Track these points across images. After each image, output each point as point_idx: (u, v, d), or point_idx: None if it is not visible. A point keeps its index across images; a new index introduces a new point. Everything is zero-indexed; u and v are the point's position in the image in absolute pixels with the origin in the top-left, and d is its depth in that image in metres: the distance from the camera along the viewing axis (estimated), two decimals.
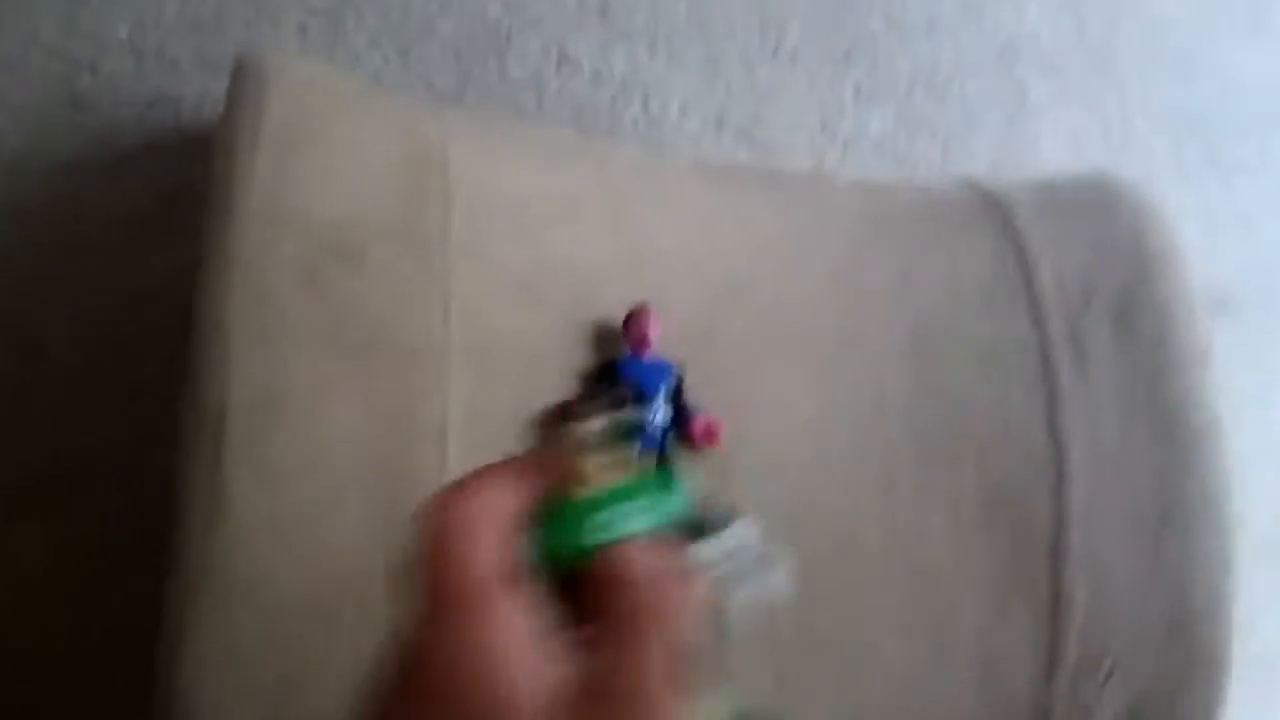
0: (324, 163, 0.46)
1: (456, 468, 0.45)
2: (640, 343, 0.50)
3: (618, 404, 0.30)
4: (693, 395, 0.51)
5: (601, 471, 0.28)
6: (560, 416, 0.30)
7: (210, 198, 0.44)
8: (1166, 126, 0.80)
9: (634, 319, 0.50)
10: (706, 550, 0.28)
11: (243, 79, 0.47)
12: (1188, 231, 0.77)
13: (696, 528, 0.29)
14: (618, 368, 0.50)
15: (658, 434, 0.49)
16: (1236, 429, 0.74)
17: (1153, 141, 0.80)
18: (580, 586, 0.27)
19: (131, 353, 0.55)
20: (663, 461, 0.49)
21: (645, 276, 0.54)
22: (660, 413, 0.50)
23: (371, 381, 0.45)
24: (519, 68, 0.65)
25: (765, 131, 0.69)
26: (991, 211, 0.61)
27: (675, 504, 0.29)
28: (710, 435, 0.50)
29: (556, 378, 0.49)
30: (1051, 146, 0.77)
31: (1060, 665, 0.53)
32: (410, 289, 0.46)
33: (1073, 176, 0.65)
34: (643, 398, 0.49)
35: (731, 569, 0.28)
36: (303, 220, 0.44)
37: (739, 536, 0.29)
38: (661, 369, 0.51)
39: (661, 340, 0.50)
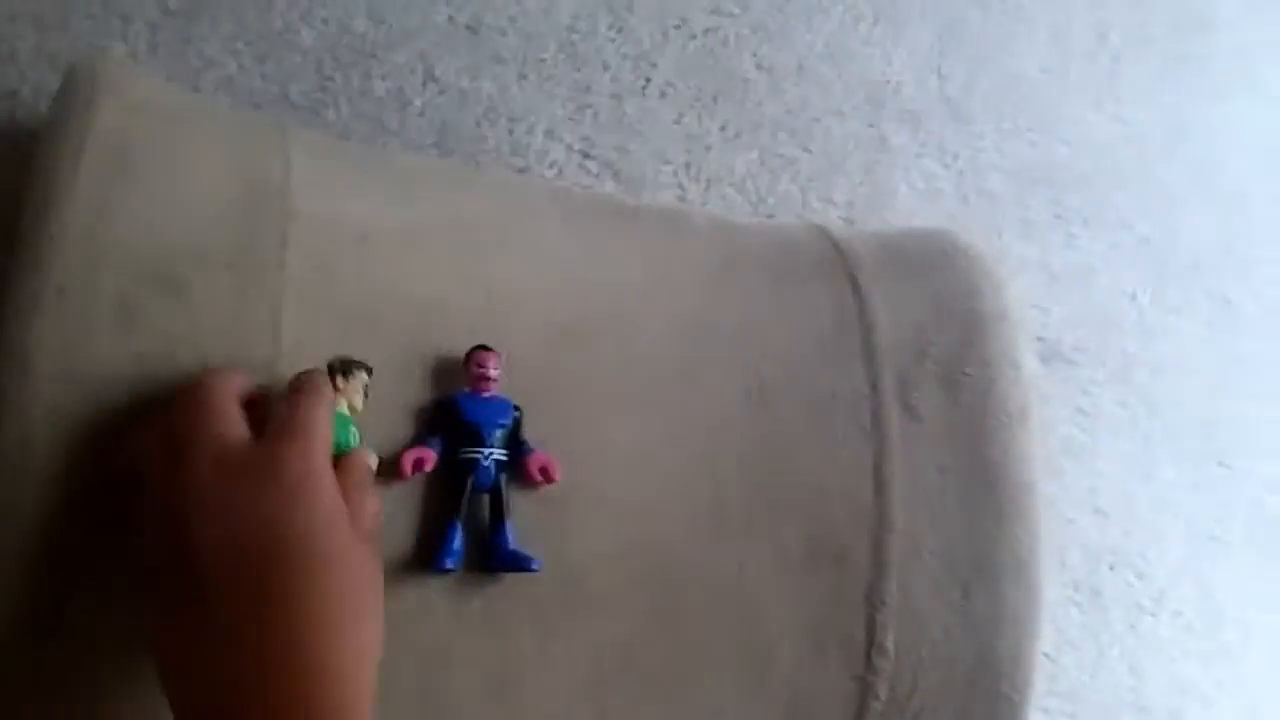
0: (152, 188, 0.45)
1: None
2: (480, 380, 0.50)
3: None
4: (531, 433, 0.51)
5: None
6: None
7: (22, 222, 0.43)
8: (1016, 180, 0.83)
9: (475, 357, 0.50)
10: None
11: (72, 89, 0.45)
12: (1029, 281, 0.82)
13: None
14: (455, 403, 0.50)
15: (492, 471, 0.50)
16: (1059, 475, 0.78)
17: (1002, 193, 0.83)
18: None
19: None
20: (496, 498, 0.50)
21: (491, 310, 0.54)
22: (495, 452, 0.50)
23: None
24: (382, 83, 0.64)
25: (630, 165, 0.70)
26: (839, 262, 0.63)
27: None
28: (546, 473, 0.51)
29: (392, 414, 0.49)
30: (907, 193, 0.79)
31: (868, 710, 0.56)
32: (238, 323, 0.45)
33: (918, 232, 0.67)
34: (479, 435, 0.50)
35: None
36: (123, 250, 0.43)
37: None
38: (500, 407, 0.51)
39: (502, 377, 0.50)
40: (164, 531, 0.38)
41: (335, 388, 0.46)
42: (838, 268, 0.63)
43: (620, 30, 0.72)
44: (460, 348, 0.51)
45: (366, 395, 0.47)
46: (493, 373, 0.50)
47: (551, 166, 0.68)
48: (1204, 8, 0.93)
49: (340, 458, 0.44)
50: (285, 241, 0.48)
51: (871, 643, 0.56)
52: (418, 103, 0.65)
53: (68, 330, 0.41)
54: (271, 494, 0.38)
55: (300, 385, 0.43)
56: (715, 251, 0.62)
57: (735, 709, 0.55)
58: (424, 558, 0.48)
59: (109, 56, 0.48)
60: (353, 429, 0.46)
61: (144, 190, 0.45)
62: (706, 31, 0.75)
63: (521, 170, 0.67)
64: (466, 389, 0.50)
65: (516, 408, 0.51)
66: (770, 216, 0.74)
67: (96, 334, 0.42)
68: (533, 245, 0.57)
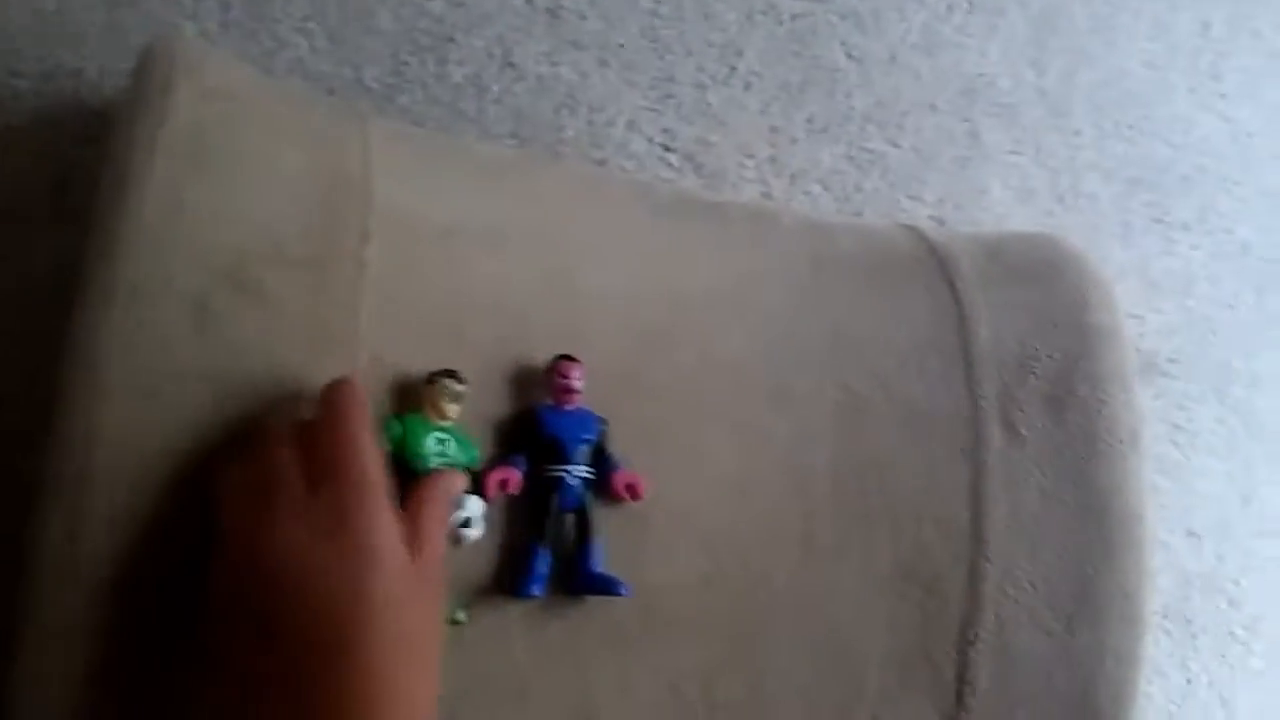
0: (228, 181, 0.42)
1: None
2: (563, 393, 0.47)
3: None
4: (615, 445, 0.48)
5: (448, 411, 0.45)
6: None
7: (95, 213, 0.40)
8: (1115, 181, 0.79)
9: (558, 368, 0.47)
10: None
11: (147, 73, 0.43)
12: (1125, 288, 0.77)
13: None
14: (537, 416, 0.47)
15: (578, 489, 0.47)
16: (1153, 494, 0.74)
17: (1100, 195, 0.79)
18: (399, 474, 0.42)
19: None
20: (582, 517, 0.47)
21: (573, 315, 0.51)
22: (581, 469, 0.47)
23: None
24: (459, 69, 0.61)
25: (713, 158, 0.66)
26: (935, 267, 0.59)
27: (473, 458, 0.45)
28: (633, 490, 0.48)
29: (472, 424, 0.46)
30: (1000, 193, 0.75)
31: None
32: (315, 326, 0.43)
33: (1019, 236, 0.63)
34: (563, 452, 0.47)
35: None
36: (198, 247, 0.40)
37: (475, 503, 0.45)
38: (584, 420, 0.48)
39: (585, 388, 0.48)
40: (238, 583, 0.37)
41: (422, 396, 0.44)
42: (934, 272, 0.59)
43: (705, 16, 0.69)
44: (541, 355, 0.48)
45: (456, 400, 0.45)
46: (576, 384, 0.47)
47: (631, 159, 0.64)
48: None
49: (426, 475, 0.42)
50: (367, 237, 0.46)
51: (963, 679, 0.53)
52: (495, 89, 0.62)
53: (141, 334, 0.39)
54: (347, 550, 0.37)
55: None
56: (804, 253, 0.59)
57: None
58: (507, 583, 0.45)
59: (184, 38, 0.46)
60: (440, 437, 0.44)
61: (219, 184, 0.43)
62: (794, 18, 0.71)
63: (601, 162, 0.64)
64: (549, 401, 0.47)
65: (602, 421, 0.48)
66: (858, 215, 0.70)
67: (172, 339, 0.39)
68: (616, 245, 0.54)
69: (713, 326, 0.54)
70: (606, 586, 0.46)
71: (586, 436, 0.47)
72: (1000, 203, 0.75)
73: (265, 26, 0.57)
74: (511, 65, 0.63)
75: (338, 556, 0.36)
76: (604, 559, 0.46)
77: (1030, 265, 0.60)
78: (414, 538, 0.39)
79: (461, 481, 0.44)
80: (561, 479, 0.46)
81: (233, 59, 0.49)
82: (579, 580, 0.46)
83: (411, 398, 0.45)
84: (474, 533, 0.44)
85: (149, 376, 0.38)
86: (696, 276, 0.55)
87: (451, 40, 0.61)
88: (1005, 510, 0.54)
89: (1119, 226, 0.78)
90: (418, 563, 0.39)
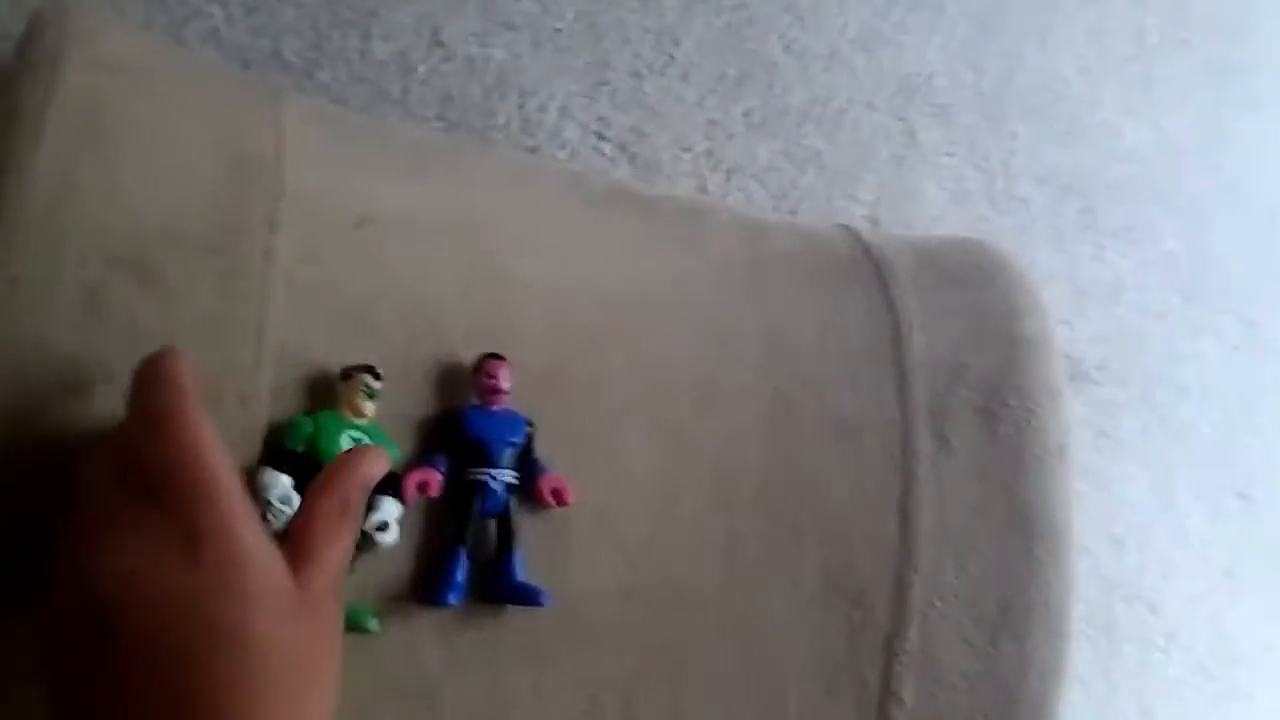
0: (124, 160, 0.39)
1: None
2: (490, 393, 0.45)
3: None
4: (540, 448, 0.47)
5: (364, 408, 0.42)
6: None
7: None
8: (1047, 185, 0.79)
9: (485, 367, 0.45)
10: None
11: (36, 41, 0.39)
12: (1053, 294, 0.77)
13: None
14: (461, 416, 0.45)
15: (501, 494, 0.45)
16: (1077, 500, 0.74)
17: (1033, 199, 0.79)
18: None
19: None
20: (504, 523, 0.45)
21: (496, 311, 0.49)
22: (505, 473, 0.45)
23: None
24: (384, 45, 0.58)
25: (647, 148, 0.64)
26: (871, 271, 0.58)
27: (394, 457, 0.42)
28: (558, 496, 0.46)
29: (388, 423, 0.44)
30: (935, 194, 0.75)
31: None
32: (217, 317, 0.40)
33: (953, 241, 0.62)
34: (488, 454, 0.45)
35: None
36: (90, 232, 0.37)
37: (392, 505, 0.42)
38: (510, 422, 0.46)
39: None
40: (72, 612, 0.32)
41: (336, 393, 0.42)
42: (870, 276, 0.58)
43: (644, 2, 0.67)
44: (462, 351, 0.46)
45: (372, 397, 0.42)
46: (504, 384, 0.45)
47: (564, 147, 0.62)
48: (1243, 13, 0.89)
49: (327, 467, 0.38)
50: (275, 224, 0.43)
51: (887, 690, 0.52)
52: (422, 69, 0.59)
53: (20, 325, 0.35)
54: (198, 575, 0.32)
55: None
56: (739, 252, 0.57)
57: None
58: (422, 591, 0.43)
59: (78, 2, 0.42)
60: (355, 436, 0.42)
61: (115, 162, 0.39)
62: (734, 8, 0.70)
63: (532, 149, 0.61)
64: (474, 401, 0.45)
65: (529, 423, 0.46)
66: (793, 212, 0.69)
67: (55, 328, 0.36)
68: (543, 237, 0.52)
69: (642, 325, 0.52)
70: (528, 597, 0.44)
71: (513, 439, 0.45)
72: (934, 204, 0.74)
73: None
74: (440, 44, 0.60)
75: (187, 580, 0.31)
76: (526, 567, 0.44)
77: (963, 271, 0.59)
78: (300, 547, 0.34)
79: (378, 466, 0.38)
80: (484, 483, 0.44)
81: (133, 27, 0.46)
82: (500, 589, 0.44)
83: (323, 395, 0.42)
84: (389, 538, 0.42)
85: (25, 364, 0.35)
86: (627, 273, 0.53)
87: (375, 15, 0.59)
88: (933, 522, 0.53)
89: (1050, 231, 0.78)
90: (302, 577, 0.34)
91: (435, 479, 0.43)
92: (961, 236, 0.62)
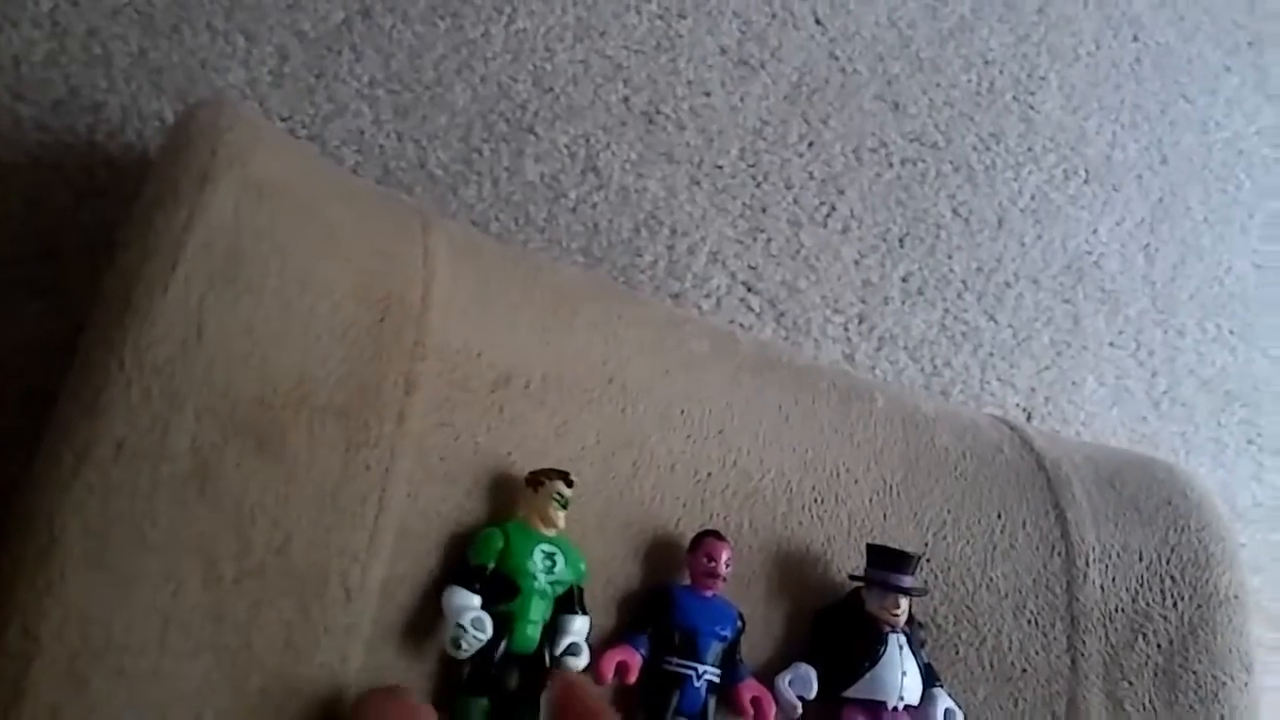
0: (263, 305, 0.34)
1: None
2: (706, 576, 0.41)
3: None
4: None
5: (557, 519, 0.39)
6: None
7: (86, 339, 0.32)
8: (1213, 391, 0.73)
9: (706, 548, 0.41)
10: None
11: (186, 149, 0.34)
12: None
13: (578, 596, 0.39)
14: (673, 598, 0.41)
15: (703, 693, 0.40)
16: None
17: (1196, 404, 0.72)
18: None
19: None
20: None
21: (638, 485, 0.43)
22: (709, 670, 0.40)
23: (259, 624, 0.33)
24: (536, 166, 0.54)
25: (797, 306, 0.59)
26: (1043, 487, 0.52)
27: (580, 574, 0.39)
28: (758, 707, 0.41)
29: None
30: (1095, 388, 0.68)
31: None
32: (335, 490, 0.34)
33: (1137, 462, 0.56)
34: (694, 646, 0.40)
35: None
36: (213, 388, 0.32)
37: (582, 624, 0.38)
38: (723, 612, 0.41)
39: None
40: None
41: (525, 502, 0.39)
42: (1043, 495, 0.52)
43: (811, 145, 0.62)
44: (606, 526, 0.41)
45: (564, 507, 0.39)
46: (724, 569, 0.41)
47: (709, 296, 0.57)
48: None
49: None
50: (413, 385, 0.38)
51: None
52: (572, 195, 0.54)
53: (118, 503, 0.30)
54: None
55: None
56: (897, 449, 0.51)
57: None
58: None
59: (232, 103, 0.37)
60: (547, 550, 0.38)
61: (251, 308, 0.34)
62: (904, 162, 0.65)
63: (676, 296, 0.56)
64: (685, 582, 0.41)
65: (741, 617, 0.42)
66: (944, 393, 0.63)
67: (155, 504, 0.31)
68: (692, 410, 0.47)
69: (806, 509, 0.46)
70: None
71: (723, 633, 0.41)
72: (1093, 399, 0.68)
73: (325, 85, 0.49)
74: (595, 170, 0.55)
75: None
76: None
77: (1149, 502, 0.53)
78: None
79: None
80: (687, 678, 0.40)
81: (285, 136, 0.41)
82: None
83: (508, 505, 0.39)
84: (581, 660, 0.38)
85: (120, 559, 0.29)
86: (778, 456, 0.48)
87: (532, 131, 0.54)
88: None
89: (1210, 444, 0.72)
90: None
91: (635, 663, 0.39)
92: (1146, 456, 0.56)
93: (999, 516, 0.50)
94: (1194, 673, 0.48)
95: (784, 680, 0.42)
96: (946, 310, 0.64)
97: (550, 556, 0.38)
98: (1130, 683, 0.48)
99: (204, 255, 0.32)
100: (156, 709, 0.31)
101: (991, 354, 0.65)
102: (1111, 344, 0.69)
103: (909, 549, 0.45)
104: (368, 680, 0.35)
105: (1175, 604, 0.50)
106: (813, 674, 0.43)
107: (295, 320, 0.34)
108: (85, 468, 0.29)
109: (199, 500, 0.31)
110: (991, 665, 0.48)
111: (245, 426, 0.32)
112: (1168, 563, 0.51)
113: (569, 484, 0.39)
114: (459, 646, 0.35)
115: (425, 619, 0.37)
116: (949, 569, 0.49)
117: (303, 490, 0.34)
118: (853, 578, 0.45)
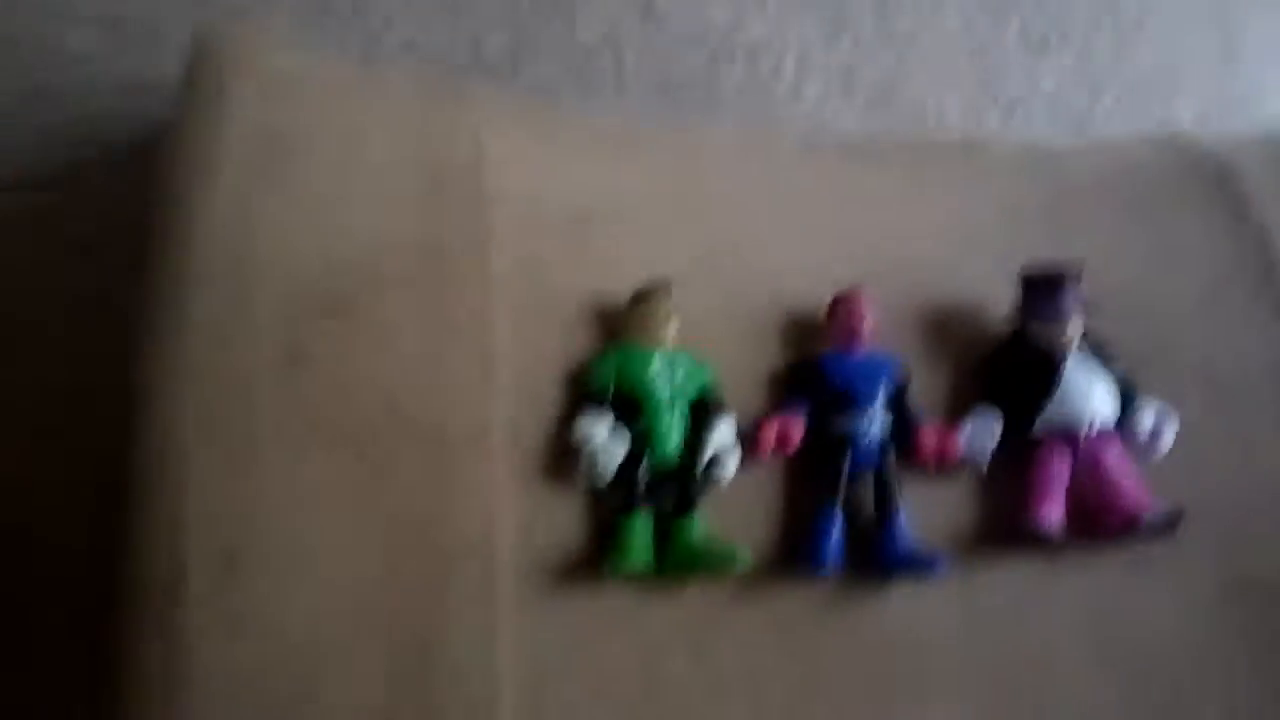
0: (312, 193, 0.35)
1: (501, 590, 0.34)
2: (850, 334, 0.40)
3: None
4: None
5: (664, 333, 0.38)
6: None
7: (149, 250, 0.34)
8: None
9: (842, 303, 0.40)
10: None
11: (199, 71, 0.36)
12: None
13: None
14: (820, 366, 0.40)
15: (875, 446, 0.39)
16: None
17: None
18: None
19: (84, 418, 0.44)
20: (881, 481, 0.39)
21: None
22: (878, 424, 0.39)
23: (381, 486, 0.34)
24: (590, 26, 0.53)
25: (907, 94, 0.56)
26: (1211, 180, 0.47)
27: (709, 381, 0.38)
28: (944, 454, 0.39)
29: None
30: (1277, 99, 0.61)
31: None
32: (437, 349, 0.35)
33: None
34: (854, 402, 0.39)
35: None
36: (279, 272, 0.34)
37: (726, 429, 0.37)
38: (879, 364, 0.40)
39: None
40: None
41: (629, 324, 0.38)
42: (1211, 185, 0.47)
43: None
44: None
45: (670, 321, 0.38)
46: (868, 324, 0.40)
47: (806, 112, 0.54)
48: None
49: None
50: (486, 234, 0.38)
51: None
52: (635, 46, 0.53)
53: (225, 384, 0.32)
54: None
55: None
56: (1030, 191, 0.47)
57: None
58: (796, 555, 0.37)
59: (233, 25, 0.39)
60: (665, 358, 0.38)
61: (299, 191, 0.36)
62: None
63: (771, 121, 0.54)
64: (829, 349, 0.40)
65: (903, 365, 0.40)
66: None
67: (260, 378, 0.32)
68: (791, 210, 0.44)
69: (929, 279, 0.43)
70: (918, 565, 0.38)
71: (883, 383, 0.40)
72: (1277, 111, 0.61)
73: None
74: (652, 13, 0.54)
75: None
76: (910, 532, 0.38)
77: None
78: None
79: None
80: (854, 435, 0.38)
81: (293, 40, 0.42)
82: (884, 558, 0.38)
83: (615, 332, 0.39)
84: (728, 470, 0.37)
85: (233, 441, 0.31)
86: (898, 233, 0.45)
87: None
88: None
89: None
90: None
91: (795, 428, 0.38)
92: None
93: (1165, 226, 0.46)
94: None
95: (964, 432, 0.40)
96: (1077, 57, 0.59)
97: (669, 367, 0.38)
98: None
99: (239, 157, 0.34)
100: (306, 576, 0.32)
101: (1142, 90, 0.59)
102: None
103: (1061, 269, 0.41)
104: (517, 532, 0.35)
105: None
106: (994, 419, 0.40)
107: (347, 195, 0.36)
108: (178, 358, 0.31)
109: (296, 376, 0.33)
110: (1200, 378, 0.43)
111: (322, 304, 0.34)
112: None
113: (668, 294, 0.38)
114: (596, 471, 0.36)
115: (562, 459, 0.36)
116: (1117, 295, 0.44)
117: (399, 353, 0.35)
118: (1012, 318, 0.42)
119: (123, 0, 0.48)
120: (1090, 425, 0.40)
